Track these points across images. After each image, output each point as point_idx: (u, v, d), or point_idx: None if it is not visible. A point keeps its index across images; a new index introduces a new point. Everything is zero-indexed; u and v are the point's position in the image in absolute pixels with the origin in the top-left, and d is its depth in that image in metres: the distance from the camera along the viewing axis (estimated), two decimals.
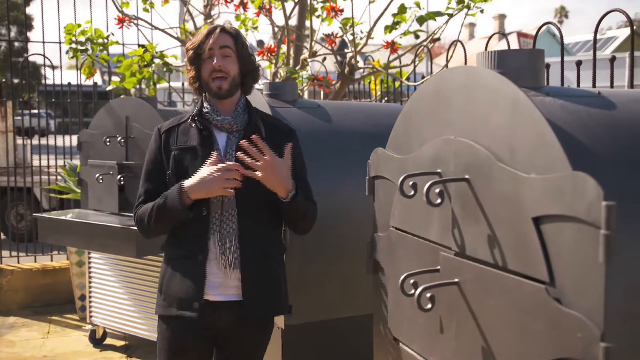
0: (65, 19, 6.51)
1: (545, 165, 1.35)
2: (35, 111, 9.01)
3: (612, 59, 2.86)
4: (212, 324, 2.21)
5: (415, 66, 4.64)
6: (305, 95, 5.38)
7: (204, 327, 2.21)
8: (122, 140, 4.06)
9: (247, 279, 2.18)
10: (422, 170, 1.78)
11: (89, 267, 4.47)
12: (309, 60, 4.81)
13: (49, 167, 6.46)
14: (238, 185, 2.11)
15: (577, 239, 1.25)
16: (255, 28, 5.31)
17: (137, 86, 4.98)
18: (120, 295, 4.27)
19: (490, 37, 3.78)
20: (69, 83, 6.18)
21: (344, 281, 2.85)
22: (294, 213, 2.21)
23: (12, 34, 17.00)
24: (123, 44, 5.56)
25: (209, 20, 5.37)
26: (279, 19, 4.97)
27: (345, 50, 5.06)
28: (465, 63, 3.93)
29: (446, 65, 3.80)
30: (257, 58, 4.27)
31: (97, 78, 6.29)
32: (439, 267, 1.73)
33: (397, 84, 5.36)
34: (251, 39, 5.44)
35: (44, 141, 7.08)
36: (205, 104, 2.28)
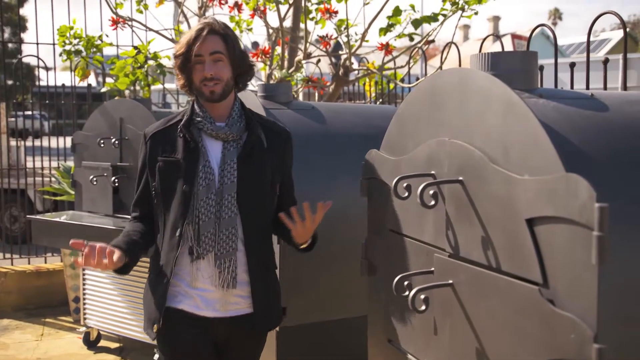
0: (59, 20, 6.48)
1: (539, 166, 1.35)
2: (29, 113, 8.99)
3: (606, 61, 2.88)
4: (213, 338, 2.18)
5: (409, 68, 4.64)
6: (300, 97, 5.38)
7: (209, 342, 2.17)
8: (116, 141, 4.05)
9: (257, 294, 2.16)
10: (416, 171, 1.79)
11: (83, 269, 4.45)
12: (303, 62, 4.82)
13: (43, 169, 6.43)
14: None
15: (571, 241, 1.25)
16: (250, 30, 5.32)
17: (132, 88, 4.98)
18: (114, 297, 4.25)
19: (484, 39, 3.79)
20: (63, 84, 6.17)
21: (338, 283, 2.85)
22: (298, 249, 2.23)
23: (6, 35, 16.94)
24: (117, 46, 5.55)
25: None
26: (274, 21, 4.99)
27: (340, 52, 5.07)
28: (460, 65, 3.94)
29: (441, 67, 3.80)
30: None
31: (92, 79, 6.26)
32: (433, 268, 1.73)
33: (391, 85, 5.36)
34: (246, 40, 5.43)
35: (37, 143, 7.05)
36: (197, 109, 2.15)
